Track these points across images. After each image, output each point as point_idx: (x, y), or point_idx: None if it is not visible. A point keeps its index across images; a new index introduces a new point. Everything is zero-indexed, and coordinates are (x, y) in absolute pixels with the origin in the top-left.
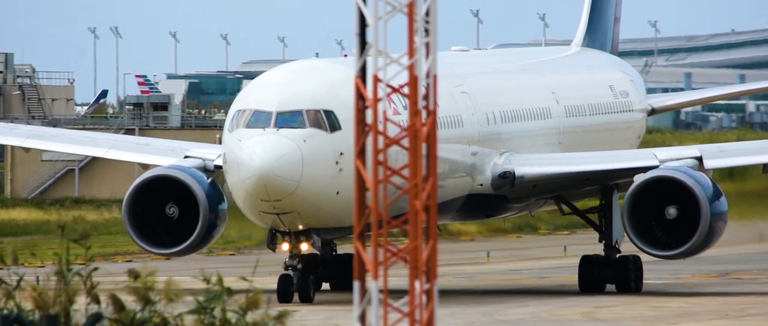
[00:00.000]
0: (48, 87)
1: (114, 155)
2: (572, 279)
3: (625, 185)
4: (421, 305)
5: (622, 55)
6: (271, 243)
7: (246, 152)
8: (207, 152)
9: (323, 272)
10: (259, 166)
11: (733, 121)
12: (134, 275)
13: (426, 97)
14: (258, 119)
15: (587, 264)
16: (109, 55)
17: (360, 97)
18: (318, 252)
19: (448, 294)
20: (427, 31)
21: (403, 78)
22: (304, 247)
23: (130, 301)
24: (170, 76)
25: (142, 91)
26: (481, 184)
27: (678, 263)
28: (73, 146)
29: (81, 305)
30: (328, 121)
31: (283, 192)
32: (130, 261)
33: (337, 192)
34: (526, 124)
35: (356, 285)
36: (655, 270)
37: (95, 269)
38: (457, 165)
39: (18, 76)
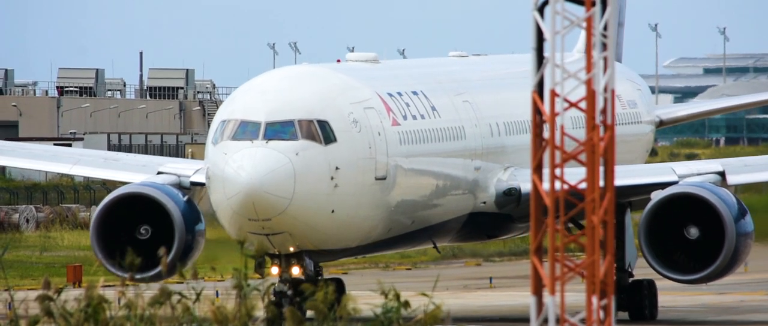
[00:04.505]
0: None
1: (79, 171)
2: (755, 295)
3: (638, 203)
4: (599, 321)
5: None
6: (259, 267)
7: (232, 166)
8: (182, 167)
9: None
10: (247, 182)
11: None
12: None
13: (603, 112)
14: (245, 130)
15: None
16: None
17: (537, 111)
18: (304, 277)
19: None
20: (604, 45)
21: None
22: (296, 271)
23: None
24: None
25: None
26: (484, 202)
27: None
28: (36, 162)
29: (260, 319)
30: (322, 133)
31: (273, 210)
32: None
33: (333, 211)
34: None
35: (533, 300)
36: None
37: (273, 284)
38: (459, 182)
39: (198, 92)
